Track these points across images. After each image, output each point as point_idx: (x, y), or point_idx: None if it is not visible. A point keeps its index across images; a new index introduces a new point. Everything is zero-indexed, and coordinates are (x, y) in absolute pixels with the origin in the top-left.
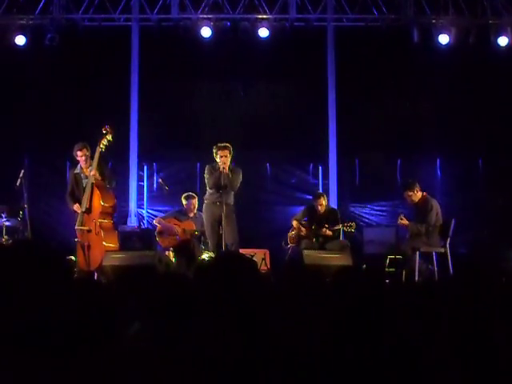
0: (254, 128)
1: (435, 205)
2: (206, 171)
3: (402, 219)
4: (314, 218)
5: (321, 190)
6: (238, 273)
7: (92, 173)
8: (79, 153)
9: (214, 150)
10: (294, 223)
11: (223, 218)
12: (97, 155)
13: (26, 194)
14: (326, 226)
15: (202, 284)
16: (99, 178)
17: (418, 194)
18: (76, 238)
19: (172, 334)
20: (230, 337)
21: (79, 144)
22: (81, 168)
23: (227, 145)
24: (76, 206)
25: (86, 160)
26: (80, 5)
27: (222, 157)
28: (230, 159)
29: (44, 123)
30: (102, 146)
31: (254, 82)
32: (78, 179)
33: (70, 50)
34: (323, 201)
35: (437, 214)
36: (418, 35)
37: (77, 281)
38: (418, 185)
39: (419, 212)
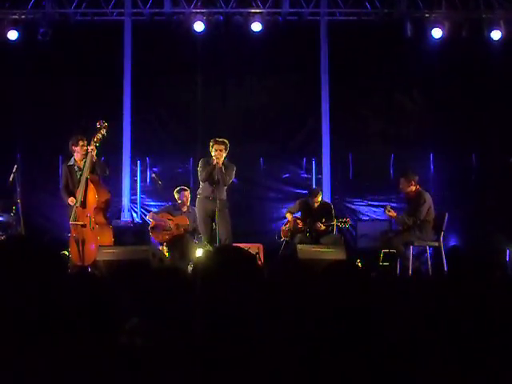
0: (247, 122)
1: (428, 199)
2: (199, 164)
3: (389, 211)
4: (308, 213)
5: (314, 185)
6: (239, 266)
7: (91, 148)
8: (81, 142)
9: (211, 144)
10: (289, 216)
11: (216, 213)
12: (93, 152)
13: (18, 189)
14: (323, 221)
15: (201, 278)
16: (95, 159)
17: (411, 187)
18: (69, 232)
19: (167, 328)
20: (225, 331)
21: (79, 135)
22: (74, 160)
23: (225, 140)
24: (71, 199)
25: (84, 152)
26: None
27: (216, 150)
28: (224, 155)
29: (36, 118)
30: (96, 140)
31: (246, 76)
32: (72, 171)
33: (63, 44)
34: (319, 197)
35: (429, 208)
36: (411, 29)
37: (72, 275)
38: (415, 179)
39: (411, 205)
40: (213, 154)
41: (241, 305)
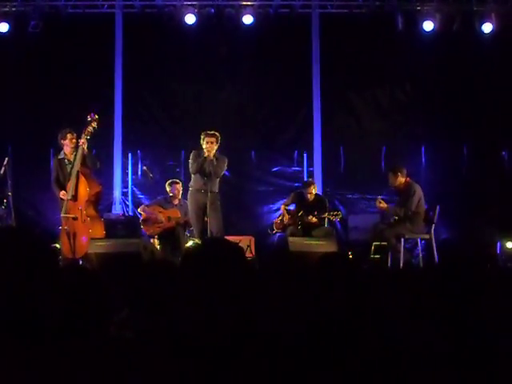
0: (239, 115)
1: (418, 190)
2: (190, 156)
3: (380, 203)
4: (302, 205)
5: (305, 178)
6: (225, 258)
7: (82, 141)
8: (69, 135)
9: (202, 136)
10: (282, 209)
11: (208, 206)
12: (84, 145)
13: (10, 182)
14: (315, 213)
15: (188, 270)
16: (86, 151)
17: (399, 179)
18: (60, 225)
19: (157, 321)
20: (217, 324)
21: (67, 129)
22: (64, 154)
23: (215, 133)
24: (62, 193)
25: (74, 145)
26: None
27: (208, 143)
28: (216, 147)
29: (27, 111)
30: (87, 133)
31: (238, 69)
32: (62, 164)
33: (54, 37)
34: (313, 189)
35: (419, 200)
36: (403, 22)
37: (63, 268)
38: (403, 171)
39: (401, 196)
40: (204, 146)
41: (230, 298)
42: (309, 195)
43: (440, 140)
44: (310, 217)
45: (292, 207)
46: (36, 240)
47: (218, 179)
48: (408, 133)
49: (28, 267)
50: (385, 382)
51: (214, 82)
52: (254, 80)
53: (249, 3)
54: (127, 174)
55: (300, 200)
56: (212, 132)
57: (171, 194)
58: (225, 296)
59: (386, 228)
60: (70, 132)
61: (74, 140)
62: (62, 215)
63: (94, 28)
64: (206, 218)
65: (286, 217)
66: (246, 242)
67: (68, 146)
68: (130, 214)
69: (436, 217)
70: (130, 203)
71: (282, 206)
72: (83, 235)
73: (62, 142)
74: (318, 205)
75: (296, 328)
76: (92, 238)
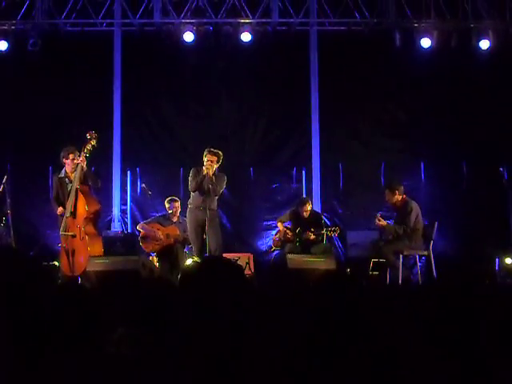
0: (237, 132)
1: (415, 207)
2: (190, 173)
3: (379, 220)
4: (299, 222)
5: (304, 194)
6: (224, 277)
7: (81, 159)
8: (71, 155)
9: (205, 153)
10: (280, 226)
11: (207, 223)
12: (84, 163)
13: (9, 200)
14: (312, 230)
15: (187, 288)
16: (85, 169)
17: (396, 197)
18: (59, 243)
19: (156, 338)
20: (215, 341)
21: (70, 147)
22: (65, 172)
23: (219, 152)
24: (60, 210)
25: (75, 165)
26: (62, 10)
27: (208, 161)
28: (215, 166)
29: (26, 129)
30: (86, 151)
31: (237, 85)
32: (62, 183)
33: (53, 55)
34: (308, 207)
35: (417, 216)
36: (400, 39)
37: (61, 286)
38: (400, 188)
39: (399, 214)
40: (204, 163)
41: (229, 315)
42: (304, 213)
43: (439, 156)
44: (308, 233)
45: (288, 224)
46: (32, 260)
47: (217, 197)
48: (407, 149)
49: (24, 287)
50: None
51: (212, 99)
52: (253, 97)
53: (247, 21)
54: (126, 191)
55: (296, 217)
56: (215, 151)
57: (170, 212)
58: (224, 314)
59: (385, 245)
60: (72, 152)
61: (75, 160)
62: (61, 233)
63: (93, 46)
64: (204, 236)
65: (282, 233)
66: (244, 259)
67: (69, 166)
68: (129, 231)
69: (434, 233)
70: (128, 221)
71: (280, 224)
72: (82, 253)
73: (64, 160)
74: (314, 221)
75: (295, 345)
76: (91, 256)
